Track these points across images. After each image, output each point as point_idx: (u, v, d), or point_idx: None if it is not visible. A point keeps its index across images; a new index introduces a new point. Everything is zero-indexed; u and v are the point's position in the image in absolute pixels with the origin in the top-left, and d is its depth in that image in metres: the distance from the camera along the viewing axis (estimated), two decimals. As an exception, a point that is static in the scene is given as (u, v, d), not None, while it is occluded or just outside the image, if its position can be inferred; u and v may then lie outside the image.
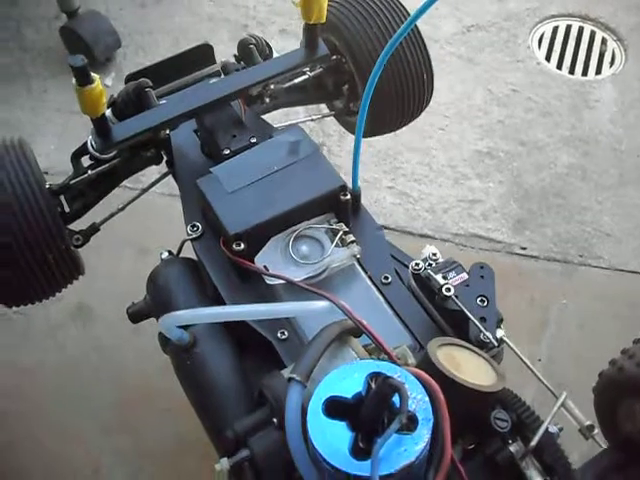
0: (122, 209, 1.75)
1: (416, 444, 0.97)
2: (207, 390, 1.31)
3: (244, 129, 1.58)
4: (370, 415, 0.99)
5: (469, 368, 1.10)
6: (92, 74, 1.35)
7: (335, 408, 1.01)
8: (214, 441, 1.31)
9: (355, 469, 0.96)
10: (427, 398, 1.01)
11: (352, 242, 1.38)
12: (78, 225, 1.73)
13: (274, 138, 1.51)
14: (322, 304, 1.21)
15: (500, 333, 1.29)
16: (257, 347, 1.36)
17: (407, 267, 1.41)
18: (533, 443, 1.07)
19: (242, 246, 1.35)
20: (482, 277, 1.32)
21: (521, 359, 1.23)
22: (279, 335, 1.31)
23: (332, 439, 0.99)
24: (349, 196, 1.41)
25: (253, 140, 1.55)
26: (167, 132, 1.60)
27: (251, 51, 1.68)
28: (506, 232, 2.54)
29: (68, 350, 2.27)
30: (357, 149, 1.38)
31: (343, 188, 1.41)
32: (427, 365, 1.08)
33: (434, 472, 1.00)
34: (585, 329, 2.33)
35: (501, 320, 1.32)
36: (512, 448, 1.10)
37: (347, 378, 1.04)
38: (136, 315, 1.49)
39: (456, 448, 1.10)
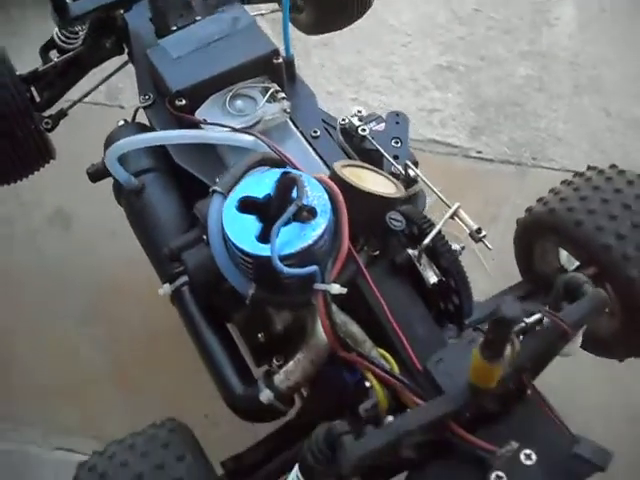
0: (87, 95, 1.90)
1: (314, 230, 1.13)
2: (153, 226, 1.47)
3: (191, 11, 1.72)
4: (275, 207, 1.14)
5: (371, 181, 1.25)
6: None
7: (247, 206, 1.17)
8: (158, 271, 1.46)
9: (260, 250, 1.12)
10: (326, 196, 1.16)
11: (283, 98, 1.52)
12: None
13: (216, 14, 1.66)
14: (248, 137, 1.36)
15: (416, 173, 1.43)
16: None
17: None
18: (426, 241, 1.21)
19: (183, 102, 1.50)
20: (397, 123, 1.46)
21: (425, 183, 1.38)
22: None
23: (243, 230, 1.15)
24: (281, 60, 1.55)
25: (198, 18, 1.69)
26: (123, 14, 1.75)
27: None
28: (463, 138, 2.68)
29: (47, 251, 2.41)
30: (285, 17, 1.52)
31: (275, 52, 1.55)
32: (332, 176, 1.23)
33: (333, 261, 1.15)
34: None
35: (416, 163, 1.45)
36: (410, 251, 1.25)
37: (260, 183, 1.19)
38: (95, 174, 1.63)
39: (362, 255, 1.25)
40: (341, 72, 2.83)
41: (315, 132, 1.53)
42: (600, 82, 2.85)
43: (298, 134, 1.53)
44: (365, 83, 2.81)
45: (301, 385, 1.25)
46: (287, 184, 1.13)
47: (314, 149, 1.51)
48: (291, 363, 1.24)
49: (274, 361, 1.30)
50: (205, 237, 1.29)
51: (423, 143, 2.64)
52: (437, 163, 2.60)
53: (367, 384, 1.21)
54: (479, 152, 2.64)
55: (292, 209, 1.10)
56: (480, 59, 2.89)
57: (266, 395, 1.23)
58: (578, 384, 2.05)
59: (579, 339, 1.30)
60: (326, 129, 1.57)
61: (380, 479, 1.25)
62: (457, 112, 2.74)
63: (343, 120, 1.51)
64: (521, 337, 1.04)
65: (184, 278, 1.38)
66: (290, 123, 1.55)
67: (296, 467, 1.05)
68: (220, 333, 1.35)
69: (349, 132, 1.49)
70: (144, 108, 1.62)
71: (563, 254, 1.60)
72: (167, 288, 1.39)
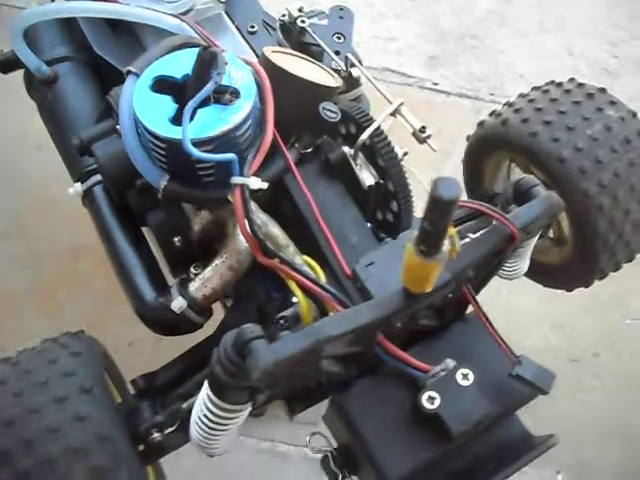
0: None
1: (235, 113, 0.99)
2: (66, 120, 1.32)
3: None
4: (193, 86, 1.00)
5: (305, 70, 1.11)
6: None
7: (163, 86, 1.02)
8: (70, 168, 1.32)
9: (172, 133, 0.97)
10: (252, 78, 1.02)
11: (217, -14, 1.37)
12: None
13: None
14: (173, 19, 1.20)
15: (358, 73, 1.29)
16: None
17: (277, 29, 1.41)
18: (363, 137, 1.08)
19: (106, -14, 1.33)
20: (341, 17, 1.32)
21: (368, 80, 1.25)
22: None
23: (156, 111, 1.00)
24: (216, -49, 1.40)
25: None
26: None
27: None
28: (419, 68, 2.54)
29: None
30: None
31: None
32: (260, 61, 1.09)
33: (255, 152, 1.02)
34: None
35: (359, 61, 1.32)
36: (346, 149, 1.11)
37: (178, 62, 1.05)
38: (4, 64, 1.47)
39: (292, 151, 1.12)
40: (295, -4, 2.66)
41: (252, 27, 1.40)
42: (565, 21, 2.74)
43: (233, 28, 1.39)
44: (319, 4, 2.64)
45: (218, 294, 1.13)
46: (206, 59, 0.98)
47: (249, 45, 1.36)
48: (208, 269, 1.12)
49: (192, 269, 1.17)
50: (119, 127, 1.14)
51: (377, 71, 2.50)
52: (391, 93, 2.43)
53: (294, 299, 1.09)
54: (435, 84, 2.51)
55: (210, 86, 0.97)
56: (441, -11, 2.75)
57: (178, 303, 1.10)
58: (519, 326, 1.98)
59: (527, 260, 1.19)
60: (265, 28, 1.43)
61: (303, 404, 1.14)
62: (415, 42, 2.60)
63: (283, 16, 1.37)
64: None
65: (97, 177, 1.24)
66: (225, 16, 1.40)
67: (206, 383, 0.92)
68: (133, 237, 1.21)
69: (289, 28, 1.34)
70: (66, -5, 1.44)
71: (515, 171, 1.49)
72: (78, 187, 1.25)
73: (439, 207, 0.72)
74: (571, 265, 1.41)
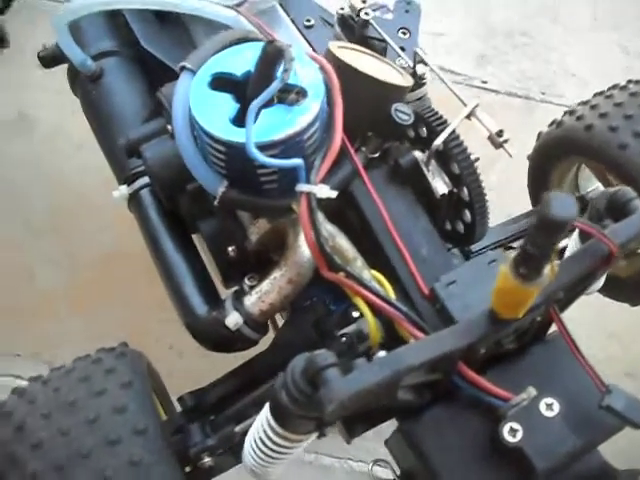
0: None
1: (302, 114, 0.90)
2: (111, 118, 1.25)
3: None
4: (256, 84, 0.91)
5: (373, 68, 1.02)
6: None
7: (222, 83, 0.94)
8: (115, 170, 1.24)
9: (233, 135, 0.89)
10: (320, 77, 0.94)
11: (273, -21, 1.29)
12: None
13: None
14: (229, 12, 1.12)
15: (422, 70, 1.21)
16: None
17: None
18: (437, 142, 0.99)
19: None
20: (407, 12, 1.23)
21: (438, 76, 1.16)
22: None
23: (215, 111, 0.92)
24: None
25: None
26: None
27: None
28: (468, 66, 2.44)
29: (7, 159, 2.17)
30: None
31: None
32: (327, 57, 1.00)
33: (322, 157, 0.93)
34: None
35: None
36: (417, 154, 1.02)
37: (239, 57, 0.96)
38: (48, 59, 1.39)
39: (359, 156, 1.03)
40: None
41: (309, 21, 1.31)
42: (620, 18, 2.62)
43: (288, 21, 1.30)
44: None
45: (276, 309, 1.04)
46: (271, 55, 0.90)
47: (306, 40, 1.28)
48: (266, 282, 1.03)
49: (246, 281, 1.08)
50: (170, 127, 1.06)
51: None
52: (438, 91, 2.36)
53: (355, 314, 1.00)
54: (484, 82, 2.41)
55: (276, 85, 0.88)
56: (491, -16, 2.64)
57: (234, 319, 1.01)
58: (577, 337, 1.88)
59: (604, 275, 1.10)
60: (322, 22, 1.34)
61: (364, 426, 1.05)
62: (463, 39, 2.50)
63: (342, 9, 1.28)
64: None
65: (144, 179, 1.16)
66: (279, 8, 1.31)
67: (266, 408, 0.84)
68: (183, 244, 1.13)
69: (348, 22, 1.25)
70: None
71: (584, 176, 1.39)
72: (124, 190, 1.17)
73: (550, 228, 0.63)
74: (640, 280, 1.31)
